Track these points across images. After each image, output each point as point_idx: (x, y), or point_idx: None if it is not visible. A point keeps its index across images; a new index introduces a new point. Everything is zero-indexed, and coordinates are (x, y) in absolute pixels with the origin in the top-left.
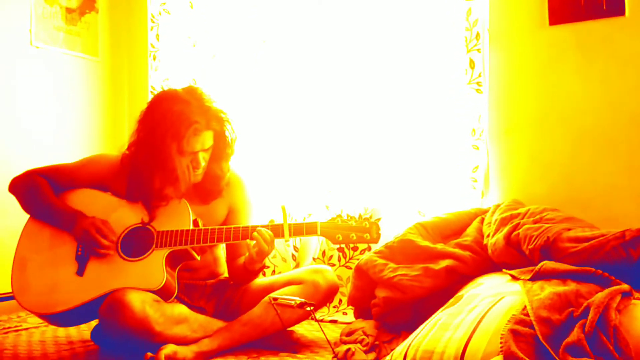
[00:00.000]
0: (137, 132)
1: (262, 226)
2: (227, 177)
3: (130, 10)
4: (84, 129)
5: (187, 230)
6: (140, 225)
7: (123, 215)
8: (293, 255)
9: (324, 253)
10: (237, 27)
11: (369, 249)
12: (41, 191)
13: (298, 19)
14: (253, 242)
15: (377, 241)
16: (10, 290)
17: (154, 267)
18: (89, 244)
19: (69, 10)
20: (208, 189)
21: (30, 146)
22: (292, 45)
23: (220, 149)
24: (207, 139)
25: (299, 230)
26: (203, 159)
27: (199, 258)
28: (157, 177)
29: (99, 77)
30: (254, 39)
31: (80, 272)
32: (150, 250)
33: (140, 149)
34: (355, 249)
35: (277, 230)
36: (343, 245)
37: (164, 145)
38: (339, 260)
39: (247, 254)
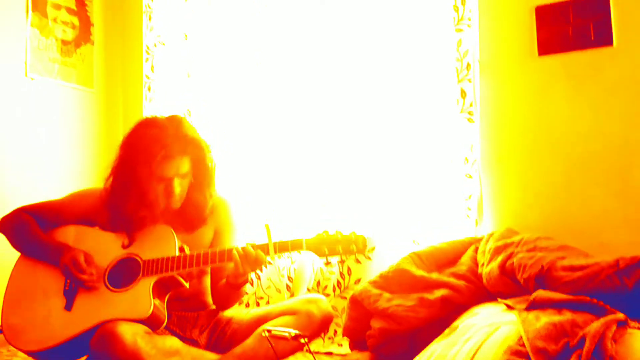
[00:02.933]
0: (117, 158)
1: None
2: (210, 206)
3: (125, 42)
4: (78, 159)
5: (172, 257)
6: (127, 256)
7: (109, 248)
8: (287, 286)
9: (318, 283)
10: (232, 56)
11: (358, 261)
12: (28, 228)
13: (293, 45)
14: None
15: (364, 252)
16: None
17: (141, 296)
18: (73, 280)
19: (64, 42)
20: (190, 217)
21: (24, 176)
22: (286, 69)
23: (199, 177)
24: (181, 165)
25: (284, 247)
26: (179, 185)
27: (187, 285)
28: (131, 200)
29: (93, 107)
30: (248, 66)
31: (68, 306)
32: (137, 280)
33: (117, 173)
34: (349, 270)
35: (262, 249)
36: (331, 260)
37: (137, 168)
38: (334, 290)
39: (232, 264)
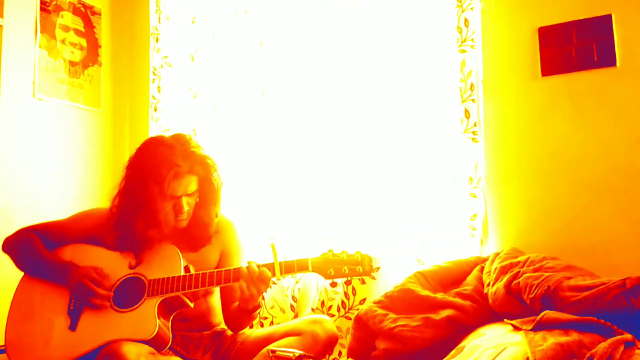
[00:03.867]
0: (124, 178)
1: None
2: (216, 224)
3: (132, 63)
4: (85, 179)
5: (178, 277)
6: (132, 275)
7: (115, 267)
8: (292, 306)
9: (322, 303)
10: (238, 78)
11: (363, 281)
12: (33, 247)
13: (298, 65)
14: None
15: (370, 273)
16: (3, 344)
17: (146, 317)
18: (84, 294)
19: (72, 64)
20: (195, 236)
21: (31, 197)
22: (291, 89)
23: (206, 195)
24: (190, 184)
25: (290, 267)
26: (187, 203)
27: (192, 305)
28: (140, 220)
29: (100, 128)
30: (254, 89)
31: (72, 326)
32: (142, 300)
33: (125, 193)
34: (354, 290)
35: (268, 269)
36: (338, 281)
37: (146, 188)
38: (339, 310)
39: (238, 286)
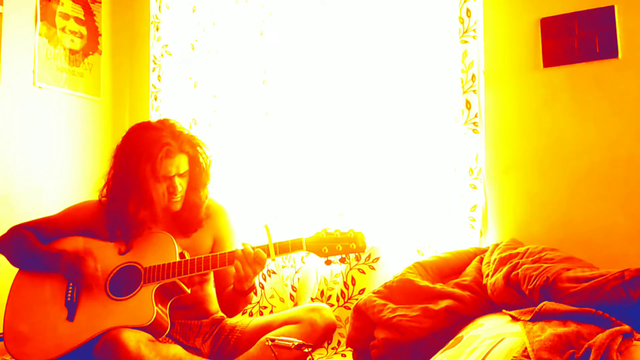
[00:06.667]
0: (113, 165)
1: (247, 245)
2: (206, 208)
3: (132, 52)
4: (84, 168)
5: (173, 263)
6: (128, 264)
7: (110, 257)
8: (291, 295)
9: (322, 293)
10: (238, 67)
11: (362, 272)
12: (27, 242)
13: (299, 55)
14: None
15: (364, 250)
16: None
17: (144, 303)
18: (74, 276)
19: (72, 52)
20: (187, 219)
21: (31, 186)
22: (292, 83)
23: (196, 176)
24: (181, 163)
25: (284, 247)
26: (180, 184)
27: (189, 291)
28: (132, 201)
29: (100, 117)
30: (255, 78)
31: (70, 317)
32: (139, 287)
33: (116, 178)
34: (353, 280)
35: (263, 250)
36: (333, 259)
37: (138, 169)
38: (338, 300)
39: (234, 269)
